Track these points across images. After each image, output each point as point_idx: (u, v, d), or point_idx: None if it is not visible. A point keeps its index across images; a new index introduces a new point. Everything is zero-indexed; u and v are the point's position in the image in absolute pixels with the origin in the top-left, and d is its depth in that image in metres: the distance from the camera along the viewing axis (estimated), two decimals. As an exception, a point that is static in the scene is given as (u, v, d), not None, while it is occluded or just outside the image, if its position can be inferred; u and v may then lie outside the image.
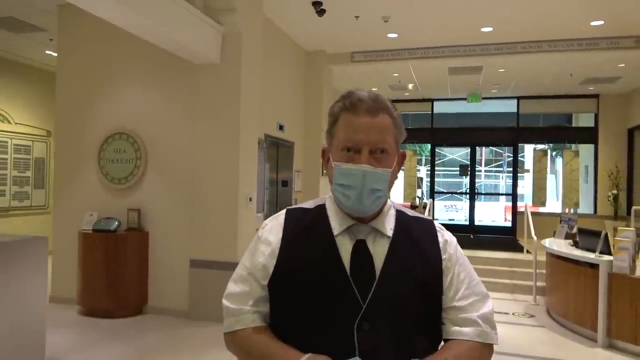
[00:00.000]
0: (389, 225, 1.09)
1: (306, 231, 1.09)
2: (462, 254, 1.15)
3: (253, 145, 5.38)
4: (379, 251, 1.06)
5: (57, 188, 5.81)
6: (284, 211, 1.16)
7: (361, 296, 1.00)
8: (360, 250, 1.05)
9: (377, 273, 1.02)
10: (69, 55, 5.78)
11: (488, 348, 1.08)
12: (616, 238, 4.74)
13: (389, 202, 1.13)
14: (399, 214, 1.13)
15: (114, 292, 5.07)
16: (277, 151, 6.81)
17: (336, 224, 1.08)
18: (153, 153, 5.36)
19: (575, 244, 5.61)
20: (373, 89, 1.11)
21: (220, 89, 5.05)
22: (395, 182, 1.15)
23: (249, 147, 5.25)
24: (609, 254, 4.79)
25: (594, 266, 4.78)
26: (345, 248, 1.05)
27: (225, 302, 1.12)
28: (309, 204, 1.16)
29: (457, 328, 1.07)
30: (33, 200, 8.32)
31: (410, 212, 1.17)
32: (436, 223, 1.17)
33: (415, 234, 1.11)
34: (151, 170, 5.37)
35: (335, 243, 1.05)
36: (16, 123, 8.09)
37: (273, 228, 1.12)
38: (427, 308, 1.05)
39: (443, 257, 1.10)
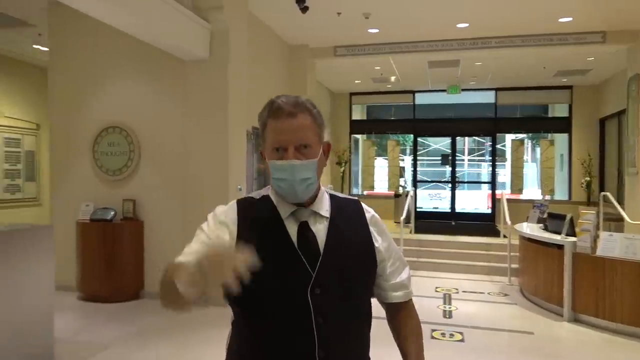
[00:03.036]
0: (325, 207, 1.28)
1: (258, 218, 1.26)
2: (385, 226, 1.40)
3: (242, 137, 5.65)
4: (320, 229, 1.25)
5: (53, 180, 6.01)
6: (234, 201, 1.31)
7: (310, 267, 1.19)
8: (305, 230, 1.24)
9: (322, 247, 1.22)
10: (61, 50, 5.95)
11: (411, 301, 1.41)
12: (579, 221, 5.14)
13: (322, 188, 1.32)
14: (332, 198, 1.33)
15: (112, 278, 5.33)
16: (265, 143, 7.05)
17: (282, 211, 1.25)
18: (146, 145, 5.60)
19: (545, 228, 6.00)
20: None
21: (209, 83, 5.29)
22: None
23: (238, 138, 5.51)
24: (574, 235, 5.19)
25: (560, 247, 5.15)
26: (292, 230, 1.23)
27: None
28: (255, 195, 1.33)
29: (392, 293, 1.35)
30: (24, 192, 8.46)
31: (341, 195, 1.40)
32: (361, 202, 1.41)
33: (347, 212, 1.32)
34: (144, 162, 5.60)
35: (285, 226, 1.24)
36: (5, 117, 8.19)
37: (228, 215, 1.26)
38: (365, 272, 1.31)
39: (371, 229, 1.34)
